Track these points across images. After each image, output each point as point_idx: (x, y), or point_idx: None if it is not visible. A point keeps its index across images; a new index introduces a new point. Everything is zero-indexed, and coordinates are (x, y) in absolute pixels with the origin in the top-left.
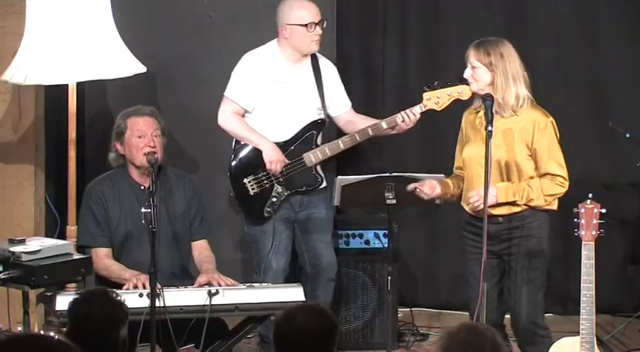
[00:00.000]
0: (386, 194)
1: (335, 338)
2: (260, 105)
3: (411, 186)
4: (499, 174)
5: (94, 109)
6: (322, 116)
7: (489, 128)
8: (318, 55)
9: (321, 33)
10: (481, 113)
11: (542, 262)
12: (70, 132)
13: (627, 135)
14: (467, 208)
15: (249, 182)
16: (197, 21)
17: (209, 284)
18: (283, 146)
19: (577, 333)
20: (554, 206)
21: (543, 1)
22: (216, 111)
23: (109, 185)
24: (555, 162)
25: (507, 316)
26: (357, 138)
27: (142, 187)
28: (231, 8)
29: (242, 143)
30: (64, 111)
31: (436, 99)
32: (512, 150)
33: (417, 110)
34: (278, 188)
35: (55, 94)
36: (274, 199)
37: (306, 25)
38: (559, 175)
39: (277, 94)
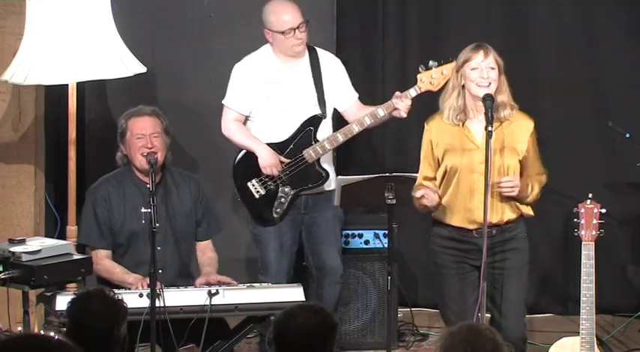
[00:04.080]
0: (386, 194)
1: (334, 337)
2: (256, 108)
3: (419, 193)
4: (499, 178)
5: (94, 109)
6: (318, 111)
7: (489, 128)
8: (320, 50)
9: (301, 36)
10: (468, 122)
11: (527, 275)
12: (70, 132)
13: (627, 135)
14: (452, 221)
15: (252, 185)
16: (197, 21)
17: (208, 284)
18: (282, 145)
19: (577, 333)
20: (532, 212)
21: (544, 1)
22: (216, 110)
23: (115, 185)
24: (540, 161)
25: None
26: (355, 128)
27: (147, 185)
28: (231, 8)
29: None
30: (64, 111)
31: (430, 79)
32: (504, 155)
33: (411, 93)
34: (284, 188)
35: (55, 94)
36: (282, 199)
37: (282, 32)
38: (543, 173)
39: (272, 95)
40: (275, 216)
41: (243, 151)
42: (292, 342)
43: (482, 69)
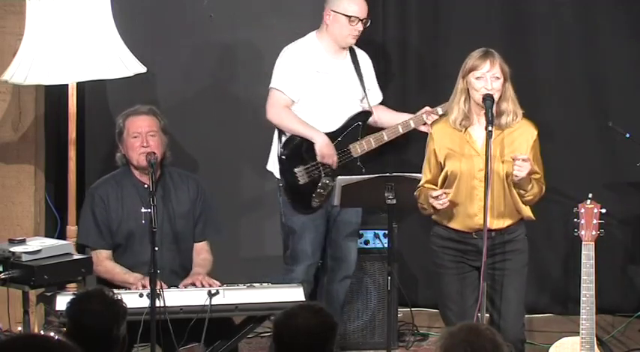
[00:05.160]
0: (386, 194)
1: (335, 337)
2: (305, 96)
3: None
4: (501, 186)
5: (94, 109)
6: (366, 107)
7: (489, 128)
8: (354, 46)
9: (361, 29)
10: (471, 128)
11: (526, 276)
12: (70, 132)
13: (627, 135)
14: (452, 225)
15: (299, 171)
16: (197, 21)
17: (193, 285)
18: (331, 137)
19: (577, 333)
20: (532, 215)
21: (544, 1)
22: (217, 110)
23: (113, 185)
24: (541, 169)
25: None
26: (400, 129)
27: (145, 185)
28: (231, 8)
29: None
30: (64, 111)
31: None
32: (503, 162)
33: (439, 111)
34: (325, 180)
35: (55, 94)
36: (322, 190)
37: (349, 17)
38: (543, 183)
39: (322, 85)
40: (314, 205)
41: (289, 136)
42: (292, 342)
43: (487, 79)
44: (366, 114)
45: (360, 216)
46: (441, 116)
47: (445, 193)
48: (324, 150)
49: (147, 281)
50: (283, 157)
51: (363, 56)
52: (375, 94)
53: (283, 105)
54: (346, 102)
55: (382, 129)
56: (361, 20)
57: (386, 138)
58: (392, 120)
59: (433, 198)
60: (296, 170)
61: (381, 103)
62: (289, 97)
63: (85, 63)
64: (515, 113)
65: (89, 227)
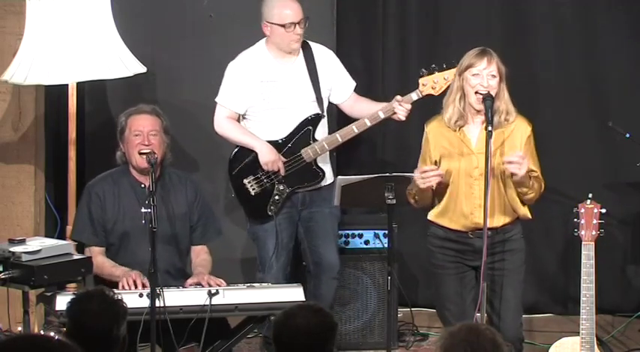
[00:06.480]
0: (386, 194)
1: (334, 337)
2: (252, 107)
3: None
4: (496, 184)
5: (94, 109)
6: (322, 107)
7: (489, 128)
8: (313, 44)
9: (301, 32)
10: (465, 127)
11: (523, 276)
12: (70, 132)
13: (627, 135)
14: (460, 223)
15: (249, 182)
16: (197, 21)
17: (199, 284)
18: (281, 144)
19: (577, 333)
20: (529, 214)
21: (544, 1)
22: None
23: (110, 183)
24: (538, 166)
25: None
26: (355, 129)
27: (142, 185)
28: (231, 8)
29: None
30: (64, 111)
31: (433, 83)
32: (499, 160)
33: (413, 97)
34: (279, 186)
35: (55, 94)
36: (277, 197)
37: (284, 25)
38: (542, 179)
39: (268, 94)
40: (269, 213)
41: (238, 148)
42: (292, 342)
43: (484, 76)
44: (316, 118)
45: (337, 216)
46: (434, 117)
47: (434, 170)
48: (266, 157)
49: (133, 274)
50: (232, 170)
51: (322, 53)
52: (344, 87)
53: (226, 117)
54: (298, 107)
55: (359, 119)
56: (297, 23)
57: (340, 140)
58: (366, 110)
59: (420, 172)
60: (245, 181)
61: (371, 97)
62: (232, 110)
63: (85, 63)
64: (509, 112)
65: (84, 223)
